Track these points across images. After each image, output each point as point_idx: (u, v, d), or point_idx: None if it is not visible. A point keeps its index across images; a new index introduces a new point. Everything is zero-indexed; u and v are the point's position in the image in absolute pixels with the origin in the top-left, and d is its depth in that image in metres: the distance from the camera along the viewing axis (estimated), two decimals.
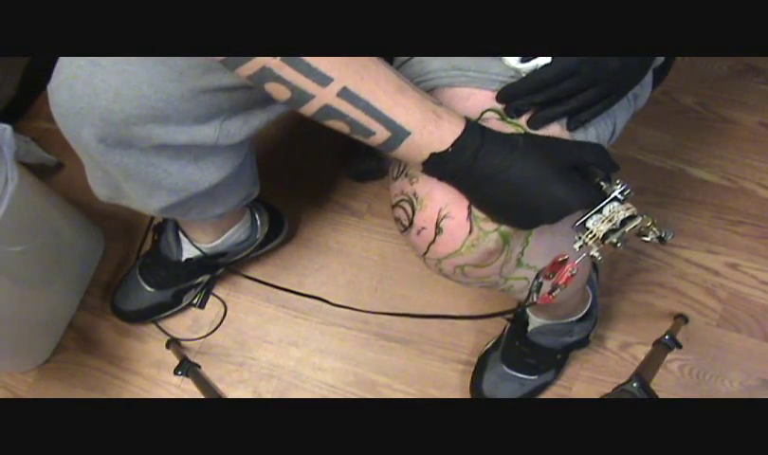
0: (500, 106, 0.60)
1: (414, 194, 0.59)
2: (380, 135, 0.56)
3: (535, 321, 1.00)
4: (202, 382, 0.99)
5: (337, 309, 1.15)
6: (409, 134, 0.55)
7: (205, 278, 1.15)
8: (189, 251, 1.08)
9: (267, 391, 1.13)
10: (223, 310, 1.17)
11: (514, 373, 1.05)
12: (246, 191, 0.93)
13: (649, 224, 0.58)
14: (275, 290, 1.18)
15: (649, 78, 0.70)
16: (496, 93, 0.60)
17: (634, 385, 0.85)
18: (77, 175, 1.29)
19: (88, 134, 0.71)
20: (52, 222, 1.11)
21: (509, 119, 0.60)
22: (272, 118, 0.77)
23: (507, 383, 1.06)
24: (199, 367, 1.03)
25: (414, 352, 1.13)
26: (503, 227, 0.59)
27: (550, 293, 0.92)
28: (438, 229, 0.58)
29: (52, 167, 1.28)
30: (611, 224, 0.57)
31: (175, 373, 1.02)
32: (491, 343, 1.09)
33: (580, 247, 0.59)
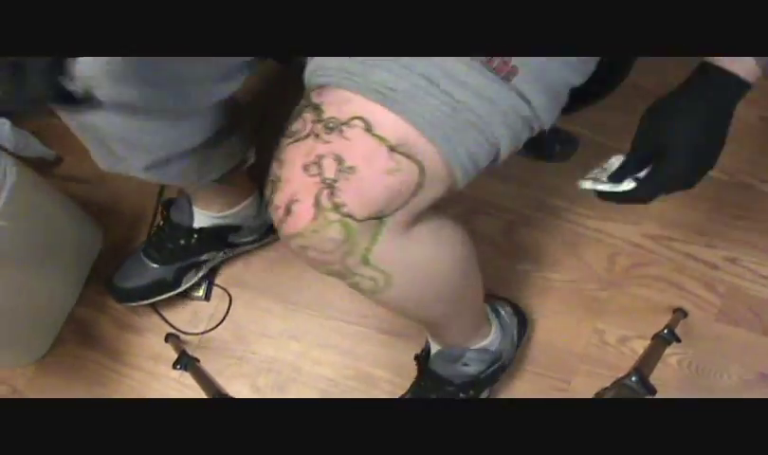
0: (369, 116, 0.61)
1: (278, 177, 0.63)
2: None
3: (434, 347, 0.99)
4: (201, 376, 0.99)
5: (336, 302, 1.16)
6: None
7: (213, 255, 1.15)
8: (201, 221, 1.09)
9: (266, 385, 1.13)
10: (227, 302, 1.17)
11: None
12: (236, 156, 0.97)
13: None
14: (275, 282, 1.19)
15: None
16: (372, 102, 0.61)
17: (633, 379, 0.85)
18: (76, 169, 1.29)
19: None
20: (51, 216, 1.11)
21: (375, 133, 0.61)
22: (234, 89, 0.81)
23: None
24: (198, 361, 1.03)
25: (414, 345, 1.13)
26: (347, 219, 0.61)
27: None
28: (288, 211, 0.62)
29: (51, 161, 1.28)
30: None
31: (174, 366, 1.02)
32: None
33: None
